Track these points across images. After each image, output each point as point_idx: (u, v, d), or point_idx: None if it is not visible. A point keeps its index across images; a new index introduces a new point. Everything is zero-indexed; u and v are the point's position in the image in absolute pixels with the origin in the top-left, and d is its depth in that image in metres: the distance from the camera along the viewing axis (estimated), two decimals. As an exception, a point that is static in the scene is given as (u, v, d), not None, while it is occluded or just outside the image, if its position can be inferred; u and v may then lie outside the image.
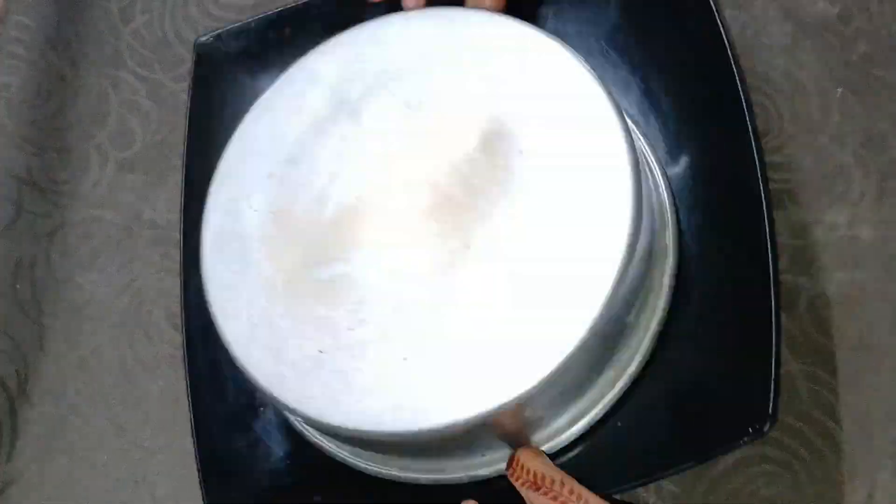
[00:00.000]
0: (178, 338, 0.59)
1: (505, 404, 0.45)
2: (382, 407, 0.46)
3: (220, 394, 0.55)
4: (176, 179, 0.64)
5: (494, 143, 0.50)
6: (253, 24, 0.61)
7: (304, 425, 0.54)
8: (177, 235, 0.62)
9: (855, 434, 0.55)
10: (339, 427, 0.47)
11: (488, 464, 0.51)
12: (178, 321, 0.59)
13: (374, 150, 0.51)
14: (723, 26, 0.55)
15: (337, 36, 0.55)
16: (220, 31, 0.61)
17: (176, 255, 0.61)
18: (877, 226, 0.60)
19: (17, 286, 0.60)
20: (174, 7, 0.69)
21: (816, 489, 0.54)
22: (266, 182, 0.52)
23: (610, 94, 0.49)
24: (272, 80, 0.55)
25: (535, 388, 0.45)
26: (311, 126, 0.52)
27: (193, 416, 0.53)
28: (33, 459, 0.57)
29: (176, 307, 0.60)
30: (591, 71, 0.50)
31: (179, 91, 0.66)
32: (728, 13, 0.66)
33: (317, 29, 0.59)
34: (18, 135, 0.64)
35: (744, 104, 0.53)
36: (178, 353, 0.59)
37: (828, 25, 0.66)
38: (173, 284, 0.61)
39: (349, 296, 0.48)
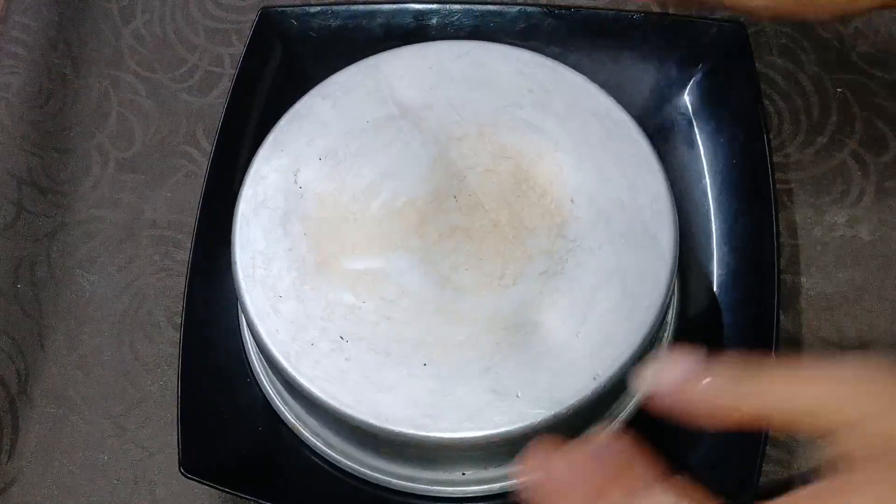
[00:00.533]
0: (178, 337, 0.59)
1: (511, 431, 0.47)
2: (395, 405, 0.47)
3: (211, 359, 0.55)
4: (177, 179, 0.64)
5: (547, 185, 0.52)
6: (317, 10, 0.62)
7: (287, 408, 0.54)
8: (177, 236, 0.62)
9: (855, 434, 0.55)
10: (346, 414, 0.47)
11: (464, 483, 0.52)
12: (178, 321, 0.59)
13: (431, 162, 0.52)
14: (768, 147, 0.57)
15: (414, 45, 0.56)
16: (285, 6, 0.62)
17: (176, 254, 0.61)
18: (876, 226, 0.60)
19: (18, 286, 0.60)
20: (174, 7, 0.69)
21: (816, 489, 0.54)
22: (316, 163, 0.52)
23: (663, 168, 0.52)
24: (326, 68, 0.56)
25: (542, 422, 0.47)
26: (371, 122, 0.53)
27: (181, 380, 0.53)
28: (33, 459, 0.57)
29: (176, 307, 0.60)
30: (653, 149, 0.53)
31: (180, 91, 0.66)
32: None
33: (379, 34, 0.60)
34: (18, 135, 0.64)
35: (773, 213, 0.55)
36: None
37: (827, 26, 0.66)
38: (173, 285, 0.61)
39: (381, 292, 0.49)
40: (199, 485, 0.52)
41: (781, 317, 0.57)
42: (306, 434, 0.53)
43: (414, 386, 0.47)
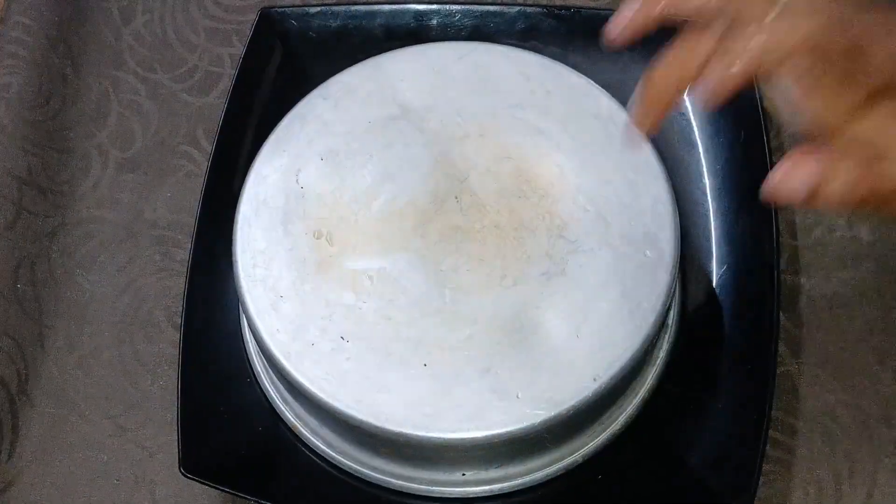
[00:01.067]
0: (178, 337, 0.59)
1: (511, 432, 0.47)
2: (395, 405, 0.47)
3: (211, 358, 0.55)
4: (177, 179, 0.64)
5: (548, 187, 0.52)
6: (317, 10, 0.62)
7: (287, 406, 0.54)
8: (177, 236, 0.62)
9: (855, 434, 0.55)
10: (346, 414, 0.47)
11: (464, 483, 0.52)
12: (178, 320, 0.59)
13: (432, 163, 0.52)
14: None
15: (416, 46, 0.56)
16: (285, 6, 0.62)
17: (176, 254, 0.61)
18: (876, 226, 0.60)
19: (18, 286, 0.60)
20: (174, 7, 0.69)
21: (816, 489, 0.54)
22: (318, 163, 0.53)
23: (665, 171, 0.52)
24: (326, 69, 0.56)
25: (542, 423, 0.47)
26: (373, 123, 0.54)
27: (181, 380, 0.53)
28: (33, 459, 0.57)
29: (176, 307, 0.60)
30: (655, 152, 0.53)
31: (180, 91, 0.66)
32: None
33: (378, 35, 0.60)
34: (18, 135, 0.64)
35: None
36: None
37: (827, 26, 0.66)
38: (173, 284, 0.61)
39: (382, 292, 0.49)
40: (200, 485, 0.52)
41: (781, 317, 0.57)
42: (306, 434, 0.53)
43: (414, 386, 0.47)
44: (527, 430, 0.47)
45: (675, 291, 0.53)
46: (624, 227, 0.51)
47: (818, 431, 0.55)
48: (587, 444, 0.52)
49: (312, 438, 0.53)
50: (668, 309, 0.51)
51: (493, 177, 0.52)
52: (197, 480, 0.50)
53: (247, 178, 0.53)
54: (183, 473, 0.50)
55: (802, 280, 0.59)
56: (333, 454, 0.53)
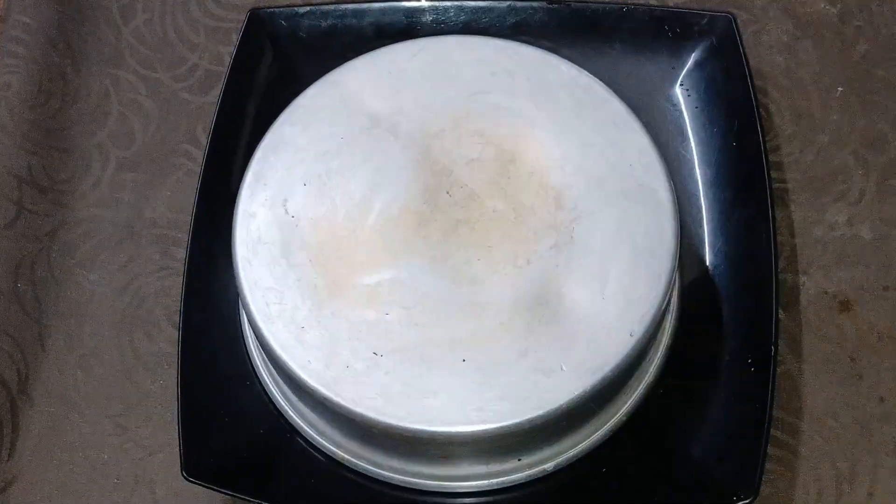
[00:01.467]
0: (177, 336, 0.59)
1: (563, 406, 0.47)
2: (444, 407, 0.47)
3: (209, 361, 0.55)
4: (177, 178, 0.64)
5: (533, 162, 0.51)
6: (307, 10, 0.62)
7: (290, 406, 0.54)
8: (177, 234, 0.62)
9: (855, 434, 0.55)
10: (399, 427, 0.47)
11: (486, 476, 0.51)
12: (178, 319, 0.59)
13: (415, 164, 0.52)
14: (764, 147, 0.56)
15: (367, 54, 0.56)
16: (275, 7, 0.62)
17: (176, 253, 0.61)
18: (876, 224, 0.60)
19: (18, 285, 0.61)
20: (175, 6, 0.69)
21: (816, 489, 0.54)
22: (302, 189, 0.52)
23: (640, 122, 0.52)
24: (317, 68, 0.55)
25: (592, 388, 0.47)
26: (346, 138, 0.53)
27: (180, 382, 0.53)
28: (33, 459, 0.57)
29: (176, 306, 0.60)
30: (626, 105, 0.53)
31: (180, 90, 0.66)
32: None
33: (369, 33, 0.60)
34: (18, 134, 0.64)
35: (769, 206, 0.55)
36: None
37: (828, 25, 0.66)
38: (173, 284, 0.61)
39: (401, 300, 0.49)
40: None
41: (781, 315, 0.57)
42: (313, 434, 0.53)
43: (458, 384, 0.47)
44: (579, 399, 0.47)
45: (681, 236, 0.53)
46: (616, 183, 0.50)
47: (819, 431, 0.55)
48: (588, 438, 0.52)
49: (319, 438, 0.53)
50: (680, 256, 0.51)
51: (477, 165, 0.52)
52: (200, 484, 0.50)
53: (234, 219, 0.52)
54: (185, 477, 0.50)
55: (803, 279, 0.59)
56: (342, 454, 0.52)
